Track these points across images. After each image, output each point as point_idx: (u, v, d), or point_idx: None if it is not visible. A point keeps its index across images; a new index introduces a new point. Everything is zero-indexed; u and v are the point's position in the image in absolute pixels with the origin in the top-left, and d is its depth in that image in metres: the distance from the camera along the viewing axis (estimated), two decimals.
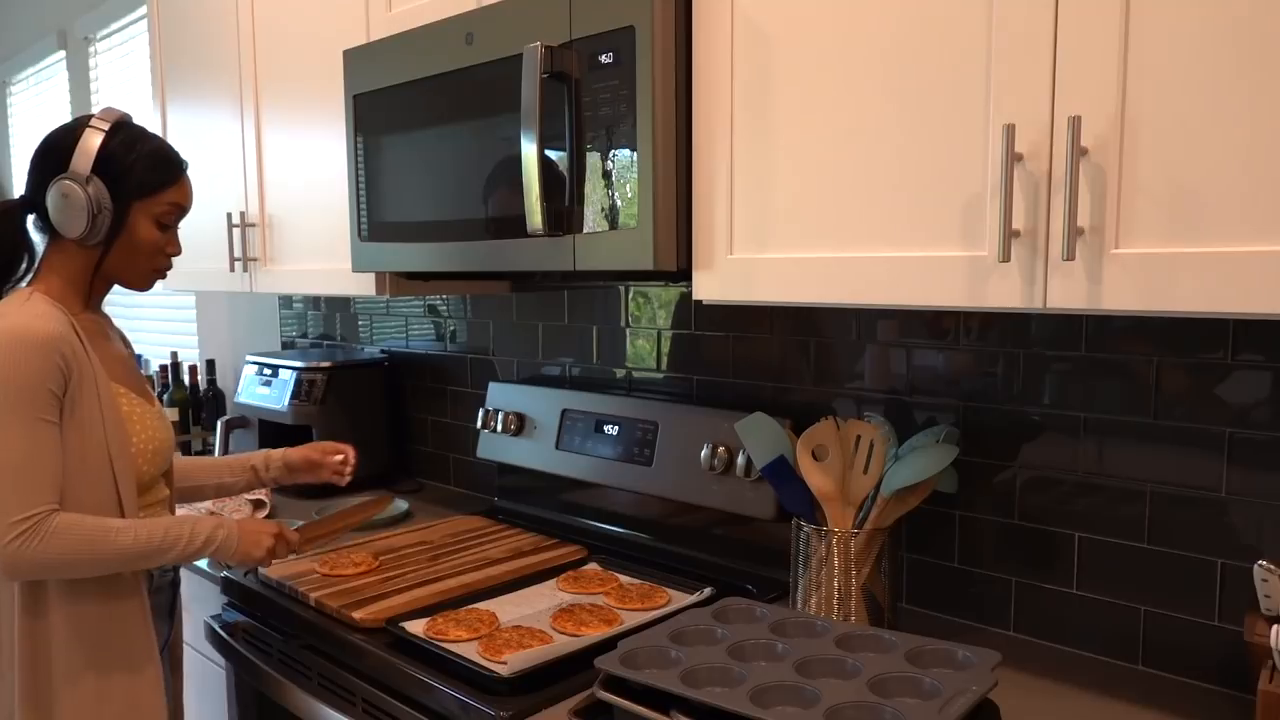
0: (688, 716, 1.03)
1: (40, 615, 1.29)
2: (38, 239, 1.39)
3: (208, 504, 2.04)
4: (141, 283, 1.41)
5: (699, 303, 1.63)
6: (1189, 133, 0.88)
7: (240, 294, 2.53)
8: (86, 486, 1.28)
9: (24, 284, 1.37)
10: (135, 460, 1.34)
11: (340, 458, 1.66)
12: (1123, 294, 0.92)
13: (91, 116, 1.34)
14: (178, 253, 1.42)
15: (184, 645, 1.58)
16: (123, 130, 1.34)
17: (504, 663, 1.21)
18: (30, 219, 1.38)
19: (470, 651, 1.27)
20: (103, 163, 1.31)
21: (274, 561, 1.43)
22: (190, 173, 1.42)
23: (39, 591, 1.28)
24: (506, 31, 1.39)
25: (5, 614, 1.30)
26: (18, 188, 4.35)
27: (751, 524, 1.63)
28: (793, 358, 1.61)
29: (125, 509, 1.32)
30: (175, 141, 2.43)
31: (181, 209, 1.40)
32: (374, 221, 1.68)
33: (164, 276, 1.44)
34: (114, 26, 3.39)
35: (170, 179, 1.37)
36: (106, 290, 1.43)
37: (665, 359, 1.81)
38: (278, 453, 1.65)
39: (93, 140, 1.31)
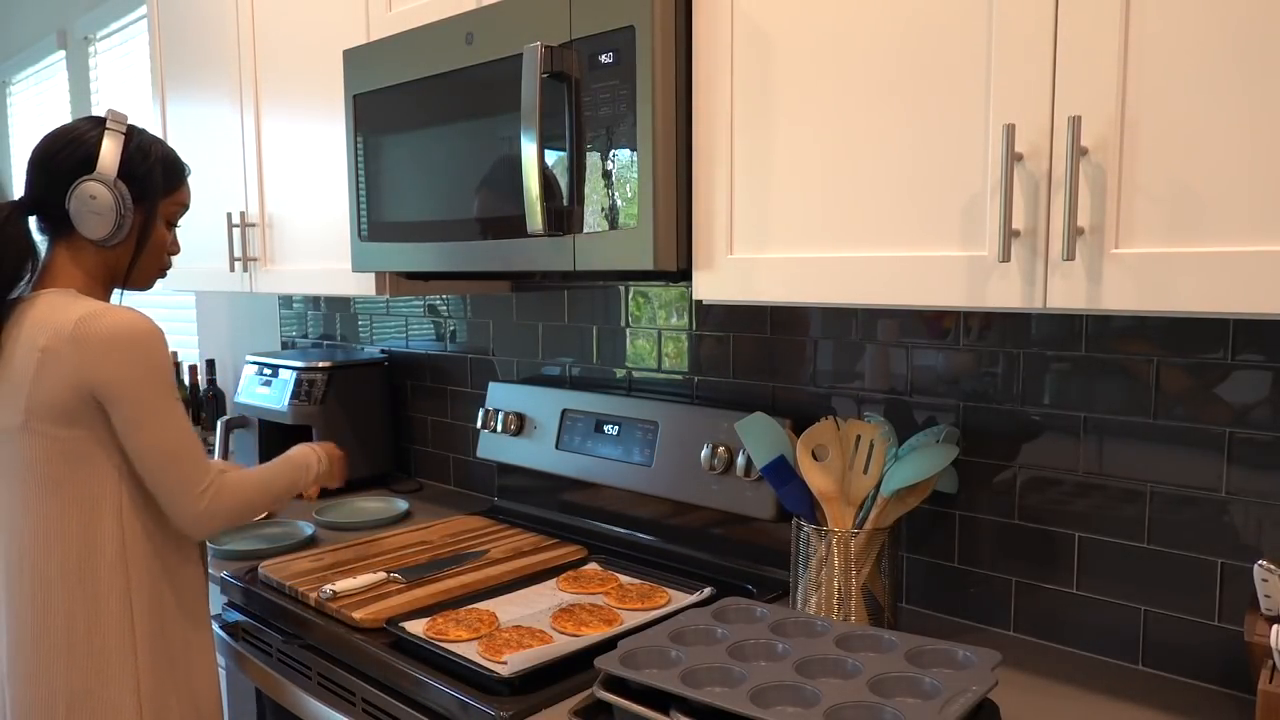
0: (688, 716, 1.03)
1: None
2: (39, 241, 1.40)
3: None
4: (149, 282, 1.46)
5: (699, 303, 1.64)
6: (1189, 133, 0.88)
7: (240, 294, 2.53)
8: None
9: (29, 287, 1.36)
10: None
11: None
12: (1123, 294, 0.92)
13: (103, 119, 1.36)
14: (178, 251, 1.48)
15: None
16: (136, 133, 1.38)
17: (504, 663, 1.21)
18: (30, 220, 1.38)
19: (470, 651, 1.27)
20: (126, 165, 1.34)
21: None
22: (190, 173, 1.47)
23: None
24: (506, 31, 1.39)
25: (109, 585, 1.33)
26: (18, 188, 4.36)
27: (751, 524, 1.63)
28: (793, 358, 1.61)
29: None
30: (175, 142, 2.44)
31: (186, 208, 1.46)
32: (374, 221, 1.68)
33: (165, 275, 1.48)
34: (114, 26, 3.39)
35: (180, 179, 1.44)
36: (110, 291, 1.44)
37: (665, 359, 1.81)
38: None
39: (116, 143, 1.34)
